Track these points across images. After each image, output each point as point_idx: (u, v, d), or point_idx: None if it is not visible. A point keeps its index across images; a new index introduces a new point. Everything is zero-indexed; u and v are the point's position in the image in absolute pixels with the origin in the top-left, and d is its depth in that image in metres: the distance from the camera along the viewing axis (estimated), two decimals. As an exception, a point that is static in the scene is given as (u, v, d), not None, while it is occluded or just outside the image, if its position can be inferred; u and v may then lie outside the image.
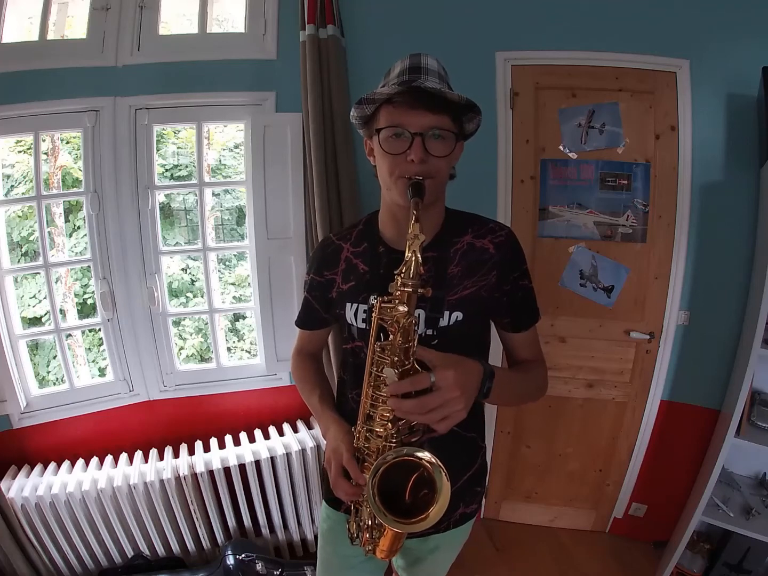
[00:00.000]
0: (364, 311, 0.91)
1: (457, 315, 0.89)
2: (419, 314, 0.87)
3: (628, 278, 1.91)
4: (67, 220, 4.49)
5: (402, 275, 0.73)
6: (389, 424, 0.78)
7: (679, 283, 1.87)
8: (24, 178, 4.16)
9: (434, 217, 0.93)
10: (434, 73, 0.83)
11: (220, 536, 1.90)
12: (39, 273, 3.10)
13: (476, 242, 0.92)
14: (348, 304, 0.94)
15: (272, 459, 1.83)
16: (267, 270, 1.88)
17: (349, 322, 0.94)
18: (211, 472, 1.78)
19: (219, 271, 4.71)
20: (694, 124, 1.76)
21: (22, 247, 4.35)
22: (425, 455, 0.73)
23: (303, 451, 1.85)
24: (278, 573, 1.75)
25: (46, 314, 4.14)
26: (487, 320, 0.97)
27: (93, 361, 4.54)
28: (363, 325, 0.92)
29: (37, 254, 3.27)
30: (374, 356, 0.79)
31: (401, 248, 0.86)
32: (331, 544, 1.08)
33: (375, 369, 0.79)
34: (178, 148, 4.66)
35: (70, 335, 3.85)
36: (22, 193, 4.01)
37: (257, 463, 1.82)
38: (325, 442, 0.96)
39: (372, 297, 0.89)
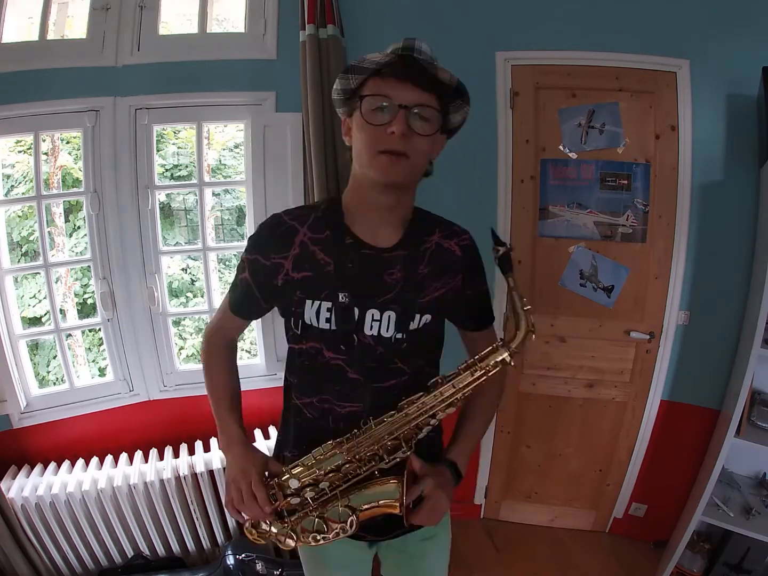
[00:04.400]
0: (328, 309, 0.84)
1: (427, 318, 0.88)
2: (389, 316, 0.86)
3: (628, 278, 1.91)
4: (67, 220, 4.50)
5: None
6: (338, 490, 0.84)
7: (679, 283, 1.87)
8: (24, 178, 4.17)
9: (405, 211, 0.89)
10: (427, 56, 0.80)
11: (220, 536, 1.90)
12: (39, 273, 3.10)
13: (444, 243, 0.91)
14: (308, 302, 0.85)
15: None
16: (267, 270, 1.87)
17: (308, 322, 0.86)
18: (211, 472, 1.78)
19: (219, 271, 4.71)
20: (694, 124, 1.76)
21: (22, 247, 4.36)
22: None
23: (303, 451, 1.84)
24: (278, 573, 1.76)
25: (46, 314, 4.14)
26: (445, 319, 0.97)
27: (93, 361, 4.54)
28: (327, 326, 0.85)
29: (37, 254, 3.27)
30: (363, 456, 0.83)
31: (371, 241, 0.86)
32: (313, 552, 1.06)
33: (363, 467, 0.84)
34: (179, 148, 4.66)
35: (70, 335, 3.86)
36: (22, 193, 4.01)
37: (257, 463, 1.82)
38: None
39: (342, 295, 0.84)
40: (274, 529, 0.88)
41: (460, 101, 0.84)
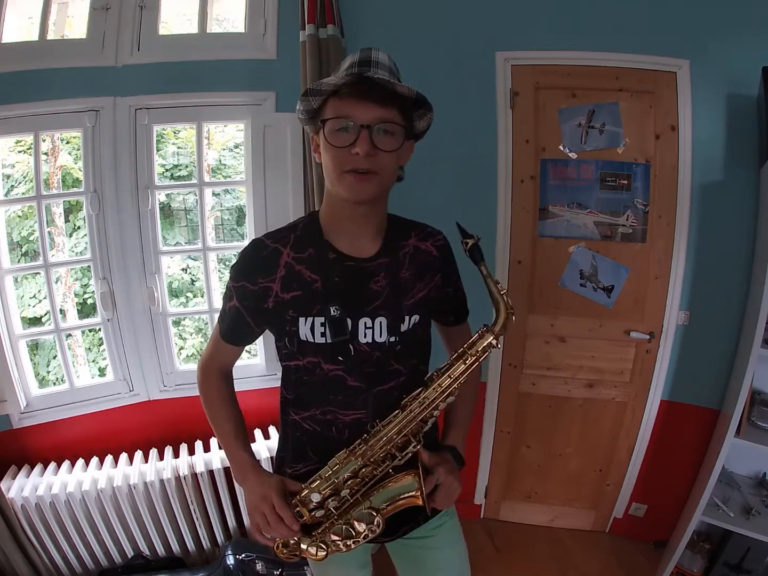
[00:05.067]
0: (321, 324, 0.86)
1: (415, 318, 0.91)
2: (381, 322, 0.88)
3: (628, 278, 1.91)
4: (67, 220, 4.50)
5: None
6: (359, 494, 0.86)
7: (679, 283, 1.87)
8: (24, 178, 4.17)
9: (380, 219, 0.91)
10: (385, 68, 0.80)
11: (220, 536, 1.90)
12: (39, 273, 3.10)
13: (421, 245, 0.94)
14: (301, 320, 0.87)
15: (272, 459, 1.83)
16: (267, 270, 1.87)
17: (304, 338, 0.87)
18: (211, 472, 1.78)
19: (219, 271, 4.71)
20: (694, 124, 1.75)
21: (22, 247, 4.36)
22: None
23: (303, 451, 1.84)
24: (278, 573, 1.75)
25: (46, 314, 4.15)
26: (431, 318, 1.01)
27: (93, 361, 4.54)
28: (322, 340, 0.87)
29: (37, 254, 3.27)
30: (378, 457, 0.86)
31: (352, 253, 0.88)
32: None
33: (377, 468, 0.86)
34: (178, 148, 4.66)
35: (70, 335, 3.86)
36: (22, 193, 4.01)
37: (257, 463, 1.82)
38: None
39: (333, 309, 0.85)
40: (303, 545, 0.89)
41: (423, 110, 0.84)
